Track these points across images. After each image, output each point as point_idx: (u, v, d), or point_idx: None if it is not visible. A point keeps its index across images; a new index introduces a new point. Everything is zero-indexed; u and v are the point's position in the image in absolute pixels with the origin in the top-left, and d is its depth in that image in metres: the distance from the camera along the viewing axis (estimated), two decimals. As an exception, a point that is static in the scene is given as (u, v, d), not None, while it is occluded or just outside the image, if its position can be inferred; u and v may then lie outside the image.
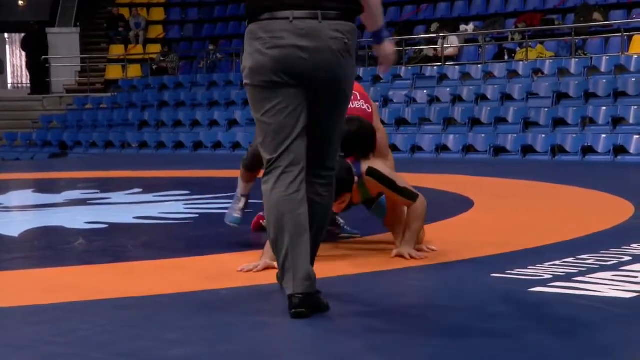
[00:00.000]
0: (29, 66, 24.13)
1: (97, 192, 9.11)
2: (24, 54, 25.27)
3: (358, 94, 5.26)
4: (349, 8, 3.64)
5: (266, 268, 4.38)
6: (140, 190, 9.21)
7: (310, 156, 3.69)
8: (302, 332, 3.39)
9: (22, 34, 25.11)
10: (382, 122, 6.18)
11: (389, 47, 3.89)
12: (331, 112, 3.70)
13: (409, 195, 4.95)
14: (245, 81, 3.70)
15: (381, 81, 17.07)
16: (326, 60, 3.59)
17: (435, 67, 17.03)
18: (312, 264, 3.69)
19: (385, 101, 16.40)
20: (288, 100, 3.60)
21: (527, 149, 13.92)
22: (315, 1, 3.59)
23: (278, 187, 3.58)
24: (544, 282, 4.10)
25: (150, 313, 3.71)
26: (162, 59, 22.18)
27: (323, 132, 3.71)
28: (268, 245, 4.16)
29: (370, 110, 5.31)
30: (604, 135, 13.44)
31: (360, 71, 16.90)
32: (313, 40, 3.57)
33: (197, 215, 7.03)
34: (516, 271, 4.38)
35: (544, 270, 4.39)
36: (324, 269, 4.62)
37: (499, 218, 6.63)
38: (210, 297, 3.96)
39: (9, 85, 29.32)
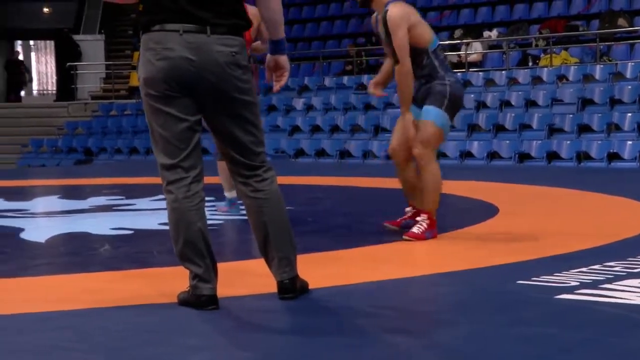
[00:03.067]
0: (58, 73, 24.30)
1: (122, 198, 9.15)
2: (49, 60, 25.44)
3: None
4: (236, 24, 3.84)
5: None
6: (164, 196, 9.23)
7: (231, 160, 3.95)
8: (330, 340, 3.38)
9: (49, 41, 25.28)
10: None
11: (285, 61, 4.03)
12: (228, 119, 3.87)
13: (397, 57, 5.71)
14: (141, 91, 3.87)
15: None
16: (213, 72, 3.79)
17: (459, 74, 17.00)
18: (294, 251, 3.98)
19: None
20: (181, 111, 3.81)
21: (552, 156, 13.86)
22: (205, 16, 3.78)
23: (176, 193, 3.82)
24: (570, 289, 4.08)
25: (173, 319, 3.72)
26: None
27: (228, 138, 3.91)
28: None
29: None
30: (629, 142, 13.36)
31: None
32: (201, 53, 3.78)
33: (221, 222, 7.04)
34: (542, 278, 4.37)
35: (571, 277, 4.37)
36: (350, 276, 4.63)
37: (524, 224, 6.60)
38: (233, 304, 3.96)
39: (35, 92, 29.51)
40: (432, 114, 5.80)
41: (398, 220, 6.24)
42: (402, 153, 6.08)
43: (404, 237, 5.78)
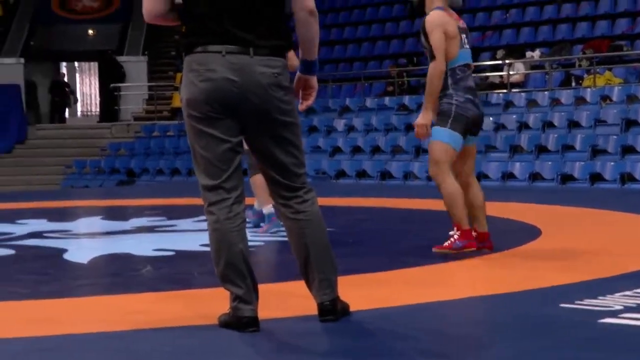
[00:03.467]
0: (102, 94, 24.56)
1: (164, 219, 9.19)
2: (93, 82, 25.71)
3: None
4: (278, 45, 3.86)
5: None
6: (206, 217, 9.27)
7: (271, 182, 3.97)
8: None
9: (94, 63, 25.56)
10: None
11: (315, 82, 4.04)
12: (270, 140, 3.89)
13: (432, 52, 5.98)
14: (183, 112, 3.89)
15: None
16: (255, 93, 3.80)
17: (501, 94, 16.93)
18: (335, 273, 3.97)
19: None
20: (224, 132, 3.83)
21: (596, 177, 13.73)
22: (247, 37, 3.80)
23: (218, 214, 3.84)
24: (614, 313, 4.03)
25: (214, 341, 3.72)
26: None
27: (269, 159, 3.93)
28: None
29: None
30: (674, 163, 13.22)
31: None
32: (243, 75, 3.79)
33: (262, 243, 7.05)
34: (586, 301, 4.32)
35: (615, 301, 4.32)
36: (390, 298, 4.61)
37: (567, 247, 6.54)
38: (274, 326, 3.95)
39: (79, 113, 29.82)
40: (438, 133, 6.08)
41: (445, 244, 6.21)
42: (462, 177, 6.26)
43: (433, 250, 6.12)
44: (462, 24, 6.24)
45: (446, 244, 6.12)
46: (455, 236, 6.11)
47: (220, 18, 3.80)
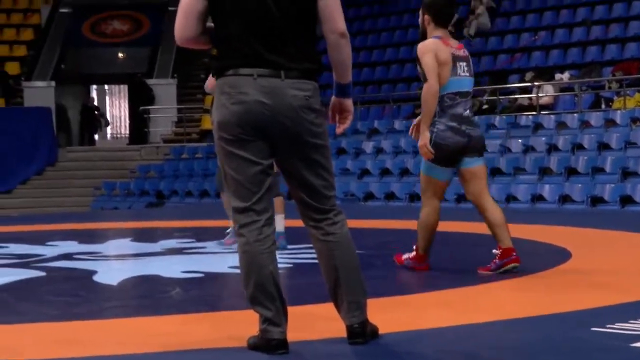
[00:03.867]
0: (132, 116, 24.74)
1: (193, 241, 9.22)
2: (123, 105, 25.90)
3: None
4: (309, 68, 3.88)
5: None
6: (235, 239, 9.29)
7: (301, 203, 3.98)
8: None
9: (123, 85, 25.76)
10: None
11: (350, 104, 4.04)
12: (301, 163, 3.91)
13: (425, 76, 6.16)
14: (214, 134, 3.91)
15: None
16: (287, 116, 3.82)
17: (530, 116, 16.87)
18: (364, 295, 3.98)
19: (480, 150, 16.24)
20: (255, 154, 3.85)
21: (626, 200, 13.62)
22: (279, 60, 3.82)
23: (248, 236, 3.86)
24: (646, 337, 3.99)
25: (246, 363, 3.72)
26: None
27: (300, 181, 3.95)
28: None
29: None
30: None
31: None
32: (275, 97, 3.81)
33: (291, 265, 7.05)
34: (617, 325, 4.28)
35: (646, 325, 4.28)
36: (420, 321, 4.59)
37: (598, 269, 6.49)
38: (303, 348, 3.95)
39: (109, 136, 30.03)
40: (421, 164, 6.42)
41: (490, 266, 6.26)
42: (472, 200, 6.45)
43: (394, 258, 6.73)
44: (462, 52, 6.36)
45: (402, 258, 6.62)
46: (411, 256, 6.56)
47: (251, 41, 3.82)
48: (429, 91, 6.17)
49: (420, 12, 6.41)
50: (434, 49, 6.20)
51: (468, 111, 6.31)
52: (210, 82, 7.45)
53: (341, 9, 3.89)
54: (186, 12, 3.86)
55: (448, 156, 6.26)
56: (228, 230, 8.31)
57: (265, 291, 3.83)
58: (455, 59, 6.25)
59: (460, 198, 14.24)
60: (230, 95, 3.82)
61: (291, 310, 3.98)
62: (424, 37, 6.42)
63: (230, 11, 3.83)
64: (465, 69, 6.31)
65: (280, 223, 7.77)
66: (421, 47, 6.26)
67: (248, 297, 3.89)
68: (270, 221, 3.90)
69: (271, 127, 3.82)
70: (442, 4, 6.31)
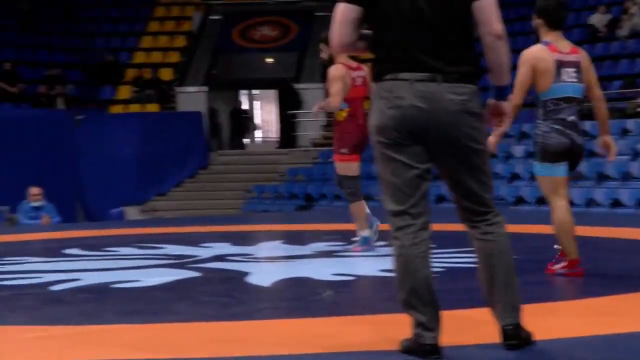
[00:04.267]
0: (281, 121, 25.13)
1: (343, 244, 9.28)
2: (272, 109, 26.30)
3: None
4: (467, 71, 3.84)
5: None
6: (385, 242, 9.31)
7: (460, 206, 3.97)
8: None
9: (272, 90, 26.15)
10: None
11: (507, 107, 4.00)
12: (459, 167, 3.89)
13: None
14: (372, 138, 3.92)
15: (630, 133, 16.51)
16: (443, 121, 3.80)
17: None
18: (519, 298, 3.97)
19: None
20: (411, 159, 3.84)
21: None
22: (436, 65, 3.80)
23: (403, 240, 3.86)
24: None
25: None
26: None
27: (458, 185, 3.93)
28: None
29: None
30: None
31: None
32: (431, 102, 3.80)
33: (444, 269, 7.01)
34: None
35: None
36: (575, 328, 4.50)
37: None
38: (456, 353, 3.94)
39: (259, 140, 30.55)
40: (534, 169, 6.41)
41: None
42: None
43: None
44: (574, 57, 6.26)
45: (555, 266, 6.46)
46: (561, 264, 6.39)
47: (407, 46, 3.83)
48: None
49: (533, 16, 6.37)
50: (533, 60, 6.16)
51: (574, 117, 6.24)
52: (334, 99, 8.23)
53: (498, 11, 3.85)
54: (341, 19, 3.90)
55: (555, 154, 6.20)
56: (357, 238, 8.53)
57: (419, 295, 3.84)
58: (561, 65, 6.17)
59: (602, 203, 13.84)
60: (387, 100, 3.85)
61: (445, 314, 3.96)
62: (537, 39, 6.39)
63: (386, 17, 3.85)
64: (573, 74, 6.22)
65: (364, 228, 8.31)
66: (521, 56, 6.24)
67: (402, 300, 3.91)
68: (426, 226, 3.90)
69: (427, 132, 3.83)
70: (554, 8, 6.24)
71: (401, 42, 3.84)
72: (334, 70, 8.34)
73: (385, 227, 8.68)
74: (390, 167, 3.88)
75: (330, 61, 8.40)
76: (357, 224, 8.41)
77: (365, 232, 8.32)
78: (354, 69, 8.47)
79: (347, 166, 8.51)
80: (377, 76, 3.91)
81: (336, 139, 8.62)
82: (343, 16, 3.90)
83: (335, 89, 8.26)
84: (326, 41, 8.21)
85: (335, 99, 8.26)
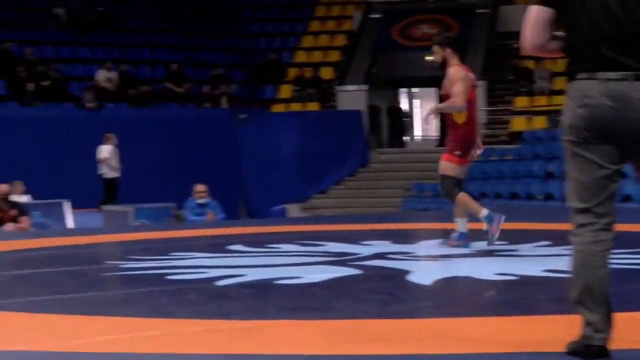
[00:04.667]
0: (440, 119, 24.97)
1: (505, 243, 9.14)
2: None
3: None
4: None
5: None
6: (548, 242, 9.13)
7: None
8: None
9: (433, 88, 26.04)
10: None
11: None
12: None
13: None
14: (563, 137, 3.84)
15: None
16: (634, 119, 3.67)
17: None
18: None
19: None
20: (601, 158, 3.73)
21: None
22: (627, 63, 3.69)
23: (582, 237, 3.75)
24: None
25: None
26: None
27: None
28: None
29: None
30: None
31: None
32: (622, 102, 3.68)
33: (619, 270, 6.80)
34: None
35: None
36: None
37: None
38: (626, 356, 3.81)
39: (419, 138, 30.50)
40: None
41: None
42: None
43: None
44: None
45: None
46: None
47: (598, 45, 3.74)
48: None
49: None
50: None
51: None
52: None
53: None
54: (533, 21, 3.86)
55: None
56: (454, 234, 8.84)
57: (592, 294, 3.73)
58: None
59: None
60: (576, 99, 3.78)
61: (616, 316, 3.84)
62: None
63: (576, 17, 3.77)
64: None
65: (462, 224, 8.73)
66: None
67: (574, 298, 3.80)
68: (609, 227, 3.78)
69: (619, 132, 3.73)
70: None
71: (591, 42, 3.75)
72: (457, 71, 8.40)
73: (473, 226, 8.86)
74: (579, 166, 3.79)
75: (443, 64, 8.54)
76: (463, 214, 8.81)
77: (463, 228, 8.75)
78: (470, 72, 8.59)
79: (454, 167, 8.55)
80: (569, 76, 3.85)
81: (452, 140, 8.61)
82: (536, 18, 3.85)
83: (461, 89, 8.27)
84: (440, 43, 8.69)
85: (460, 99, 8.27)
